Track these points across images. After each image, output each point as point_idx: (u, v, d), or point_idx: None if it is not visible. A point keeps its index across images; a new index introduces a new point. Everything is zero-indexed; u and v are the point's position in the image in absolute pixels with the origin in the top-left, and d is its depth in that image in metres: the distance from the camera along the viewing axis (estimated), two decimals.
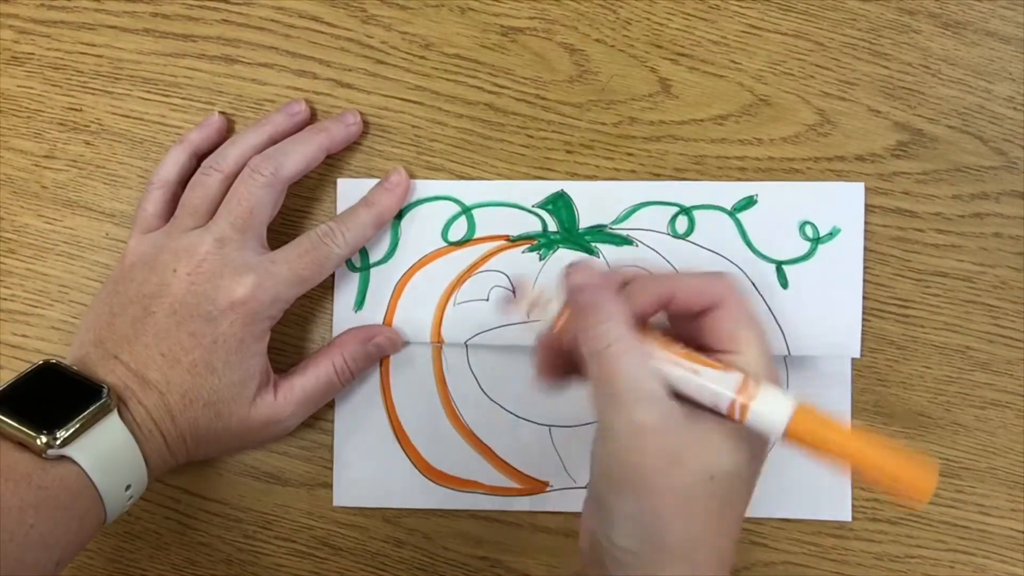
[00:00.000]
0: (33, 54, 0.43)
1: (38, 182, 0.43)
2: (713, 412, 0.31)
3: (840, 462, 0.30)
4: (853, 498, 0.42)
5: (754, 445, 0.31)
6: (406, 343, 0.42)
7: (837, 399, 0.42)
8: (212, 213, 0.39)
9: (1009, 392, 0.42)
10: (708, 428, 0.30)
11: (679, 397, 0.31)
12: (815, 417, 0.30)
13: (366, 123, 0.43)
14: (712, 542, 0.30)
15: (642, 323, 0.33)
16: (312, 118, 0.43)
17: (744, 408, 0.30)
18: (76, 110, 0.43)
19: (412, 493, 0.42)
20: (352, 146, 0.43)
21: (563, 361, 0.34)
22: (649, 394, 0.30)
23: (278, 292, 0.38)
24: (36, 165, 0.43)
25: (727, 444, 0.30)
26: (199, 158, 0.41)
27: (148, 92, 0.43)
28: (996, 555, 0.42)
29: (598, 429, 0.31)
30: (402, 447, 0.42)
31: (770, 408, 0.30)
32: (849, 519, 0.42)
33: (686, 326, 0.34)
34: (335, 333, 0.42)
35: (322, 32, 0.43)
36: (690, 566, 0.30)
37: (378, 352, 0.41)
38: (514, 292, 0.41)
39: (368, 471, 0.42)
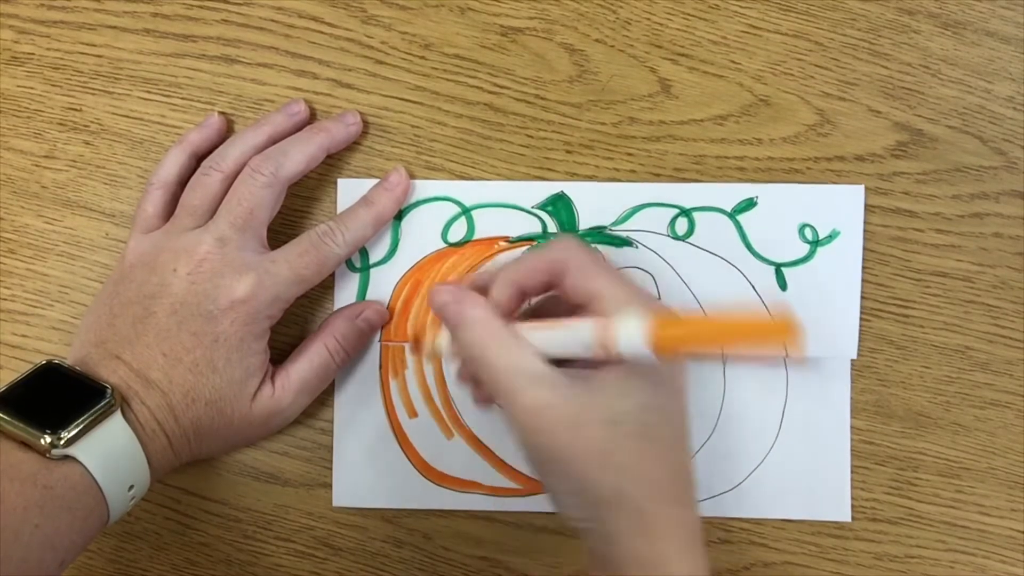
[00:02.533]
0: (33, 54, 0.43)
1: (38, 182, 0.43)
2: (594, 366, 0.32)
3: (712, 349, 0.30)
4: (853, 498, 0.42)
5: (649, 377, 0.32)
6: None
7: (837, 399, 0.42)
8: (212, 213, 0.39)
9: (1009, 392, 0.42)
10: (596, 381, 0.31)
11: (562, 366, 0.32)
12: (670, 320, 0.30)
13: (366, 123, 0.43)
14: (645, 477, 0.31)
15: (512, 313, 0.34)
16: (312, 118, 0.43)
17: (606, 342, 0.30)
18: (76, 110, 0.43)
19: (412, 493, 0.42)
20: (352, 146, 0.43)
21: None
22: (531, 377, 0.31)
23: (278, 291, 0.38)
24: (36, 165, 0.43)
25: (617, 388, 0.31)
26: (199, 158, 0.41)
27: (148, 92, 0.43)
28: (996, 555, 0.42)
29: (508, 426, 0.33)
30: (402, 447, 0.42)
31: (625, 331, 0.30)
32: (849, 519, 0.42)
33: (558, 302, 0.35)
34: None
35: (322, 32, 0.43)
36: (635, 510, 0.31)
37: (368, 327, 0.42)
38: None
39: (368, 471, 0.42)
